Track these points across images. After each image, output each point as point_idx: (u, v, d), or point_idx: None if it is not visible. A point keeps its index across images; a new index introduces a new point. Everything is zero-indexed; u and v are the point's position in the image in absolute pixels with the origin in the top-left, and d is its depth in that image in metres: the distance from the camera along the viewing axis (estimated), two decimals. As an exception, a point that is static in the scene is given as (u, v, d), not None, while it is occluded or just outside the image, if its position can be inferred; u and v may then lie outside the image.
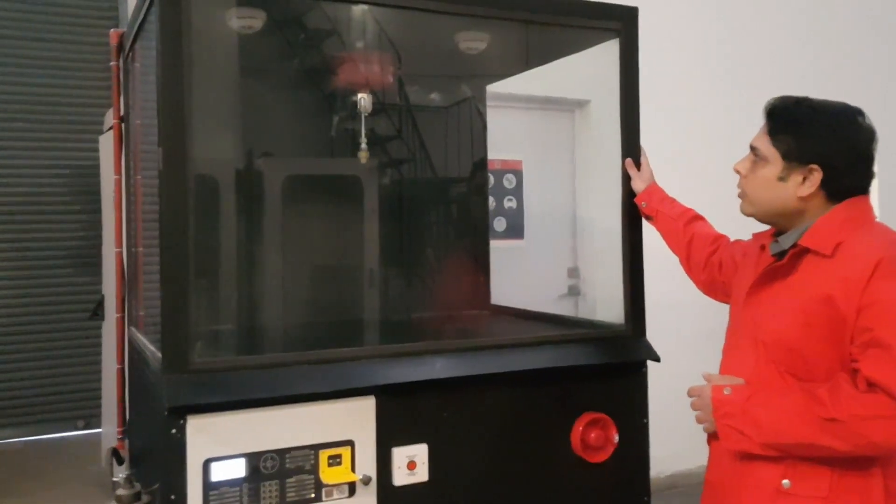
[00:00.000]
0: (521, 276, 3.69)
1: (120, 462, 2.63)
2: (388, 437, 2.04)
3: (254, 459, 1.90)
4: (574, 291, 4.63)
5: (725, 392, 1.86)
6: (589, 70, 3.41)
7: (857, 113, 1.87)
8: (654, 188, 2.38)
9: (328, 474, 1.97)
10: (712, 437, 1.97)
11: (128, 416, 2.79)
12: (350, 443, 2.00)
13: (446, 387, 2.10)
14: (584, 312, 4.44)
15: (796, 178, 1.84)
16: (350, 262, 3.07)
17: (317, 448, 1.96)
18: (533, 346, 2.27)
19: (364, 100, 2.56)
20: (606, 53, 2.88)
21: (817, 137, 1.83)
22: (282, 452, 1.93)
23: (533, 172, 4.52)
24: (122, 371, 2.82)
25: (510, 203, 4.47)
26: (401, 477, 2.05)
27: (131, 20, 2.58)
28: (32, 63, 5.64)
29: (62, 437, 5.78)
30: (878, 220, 1.89)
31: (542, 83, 3.62)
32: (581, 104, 4.69)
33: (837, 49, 5.68)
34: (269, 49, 3.00)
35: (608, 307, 3.02)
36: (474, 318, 3.16)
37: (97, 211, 5.18)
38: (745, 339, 1.93)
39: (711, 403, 1.86)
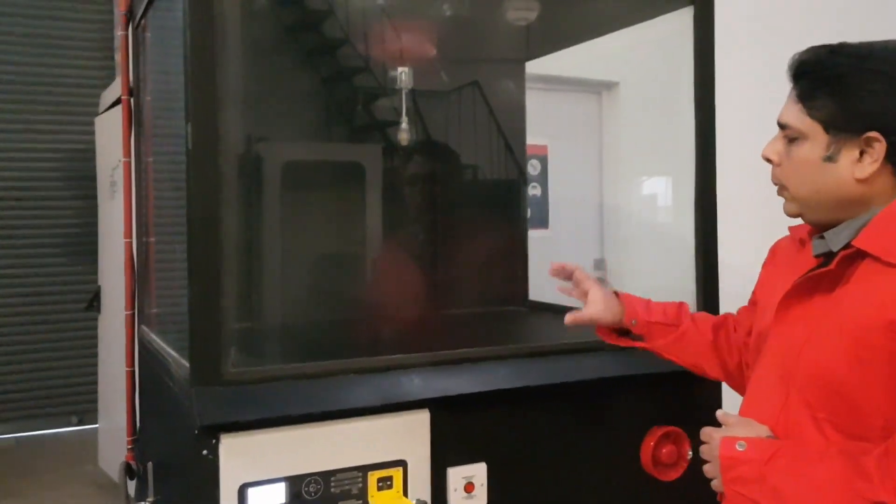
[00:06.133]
0: (548, 269, 3.46)
1: (132, 477, 2.39)
2: (444, 455, 1.82)
3: (295, 484, 1.68)
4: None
5: (739, 447, 1.36)
6: (617, 51, 3.19)
7: None
8: (631, 299, 1.84)
9: (378, 499, 1.76)
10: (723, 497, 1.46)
11: (139, 425, 2.55)
12: (402, 463, 1.78)
13: (506, 398, 1.88)
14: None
15: (850, 154, 1.34)
16: (374, 256, 2.86)
17: (365, 469, 1.75)
18: (595, 352, 2.05)
19: (405, 74, 2.32)
20: (635, 32, 2.66)
21: (870, 93, 1.32)
22: (326, 475, 1.71)
23: (558, 158, 4.27)
24: (132, 374, 2.58)
25: (534, 191, 4.23)
26: (457, 501, 1.84)
27: (145, -16, 2.33)
28: (20, 41, 5.34)
29: (55, 434, 5.56)
30: None
31: (569, 64, 3.40)
32: (609, 86, 4.46)
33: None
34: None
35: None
36: (513, 315, 2.95)
37: (93, 197, 4.91)
38: (772, 370, 1.44)
39: (719, 460, 1.38)
